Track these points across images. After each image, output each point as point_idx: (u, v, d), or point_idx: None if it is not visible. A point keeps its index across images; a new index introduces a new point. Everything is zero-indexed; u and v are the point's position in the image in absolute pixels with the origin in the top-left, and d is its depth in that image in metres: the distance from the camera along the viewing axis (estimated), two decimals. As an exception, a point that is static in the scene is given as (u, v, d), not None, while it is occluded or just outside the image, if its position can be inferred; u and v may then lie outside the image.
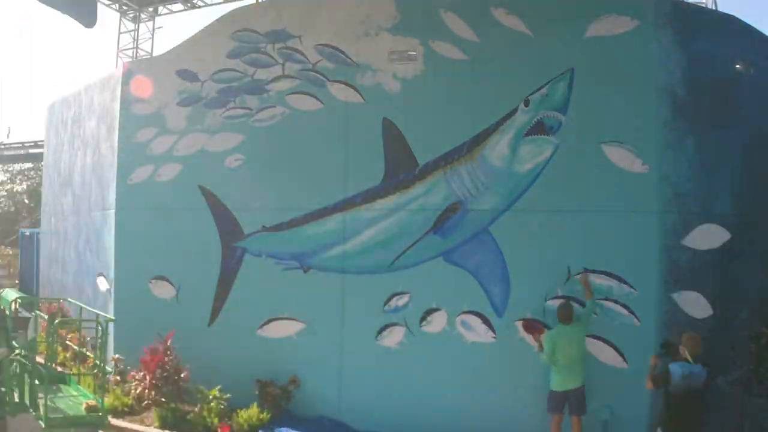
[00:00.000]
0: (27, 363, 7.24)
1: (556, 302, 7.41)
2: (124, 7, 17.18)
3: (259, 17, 9.13)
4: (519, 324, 7.67)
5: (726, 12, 8.74)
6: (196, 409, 8.19)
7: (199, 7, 17.87)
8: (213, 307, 8.98)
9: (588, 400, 7.10)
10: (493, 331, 7.78)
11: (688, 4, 8.73)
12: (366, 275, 8.31)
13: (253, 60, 9.00)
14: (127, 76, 9.84)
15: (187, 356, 8.65)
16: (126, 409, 8.55)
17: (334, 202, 8.48)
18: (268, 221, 8.78)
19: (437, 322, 7.99)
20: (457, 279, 7.95)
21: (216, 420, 7.99)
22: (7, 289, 14.57)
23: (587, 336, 7.43)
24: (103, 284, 10.15)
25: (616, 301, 7.41)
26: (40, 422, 6.93)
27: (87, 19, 9.36)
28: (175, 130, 9.32)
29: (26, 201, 33.52)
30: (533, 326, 7.54)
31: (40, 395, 7.06)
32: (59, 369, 9.22)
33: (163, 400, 8.38)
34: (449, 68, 8.11)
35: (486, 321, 7.82)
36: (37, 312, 8.50)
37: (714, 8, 11.13)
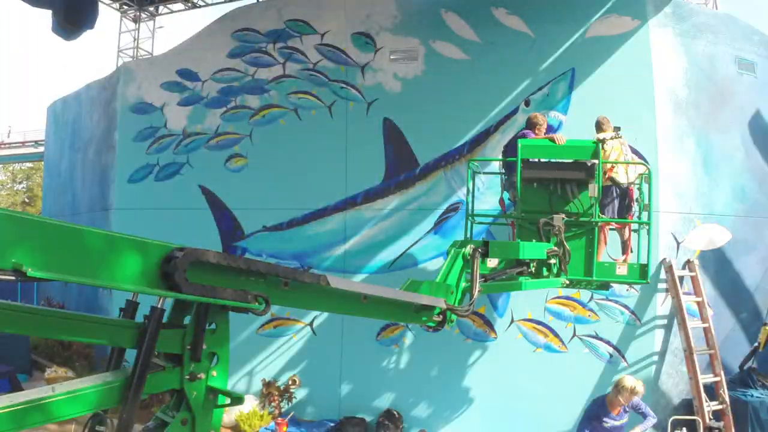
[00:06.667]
0: None
1: (556, 302, 7.42)
2: (125, 7, 17.16)
3: (259, 17, 9.12)
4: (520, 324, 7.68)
5: (726, 12, 8.75)
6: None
7: (199, 7, 17.85)
8: (213, 307, 8.96)
9: (588, 400, 7.08)
10: (494, 330, 7.79)
11: (688, 4, 8.72)
12: (366, 275, 8.31)
13: (253, 60, 9.00)
14: (128, 75, 9.84)
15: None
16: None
17: (334, 202, 8.48)
18: (268, 221, 8.78)
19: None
20: (457, 279, 7.93)
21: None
22: None
23: (587, 336, 7.44)
24: (103, 284, 10.14)
25: (616, 301, 7.41)
26: None
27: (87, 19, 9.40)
28: (175, 130, 9.32)
29: (26, 201, 33.54)
30: None
31: None
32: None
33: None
34: (449, 68, 8.11)
35: (486, 321, 7.82)
36: None
37: (714, 8, 11.11)
